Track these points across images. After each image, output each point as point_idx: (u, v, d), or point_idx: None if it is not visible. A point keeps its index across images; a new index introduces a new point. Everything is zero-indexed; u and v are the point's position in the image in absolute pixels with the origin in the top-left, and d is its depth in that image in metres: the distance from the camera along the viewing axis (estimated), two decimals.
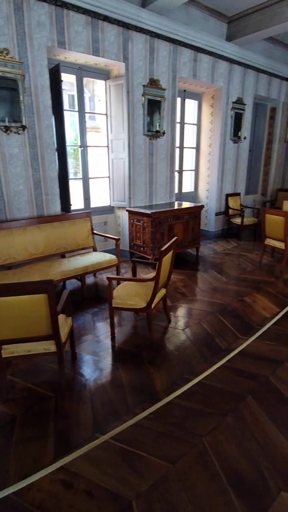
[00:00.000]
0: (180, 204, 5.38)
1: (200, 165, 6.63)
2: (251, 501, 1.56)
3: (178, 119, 5.81)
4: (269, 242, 4.90)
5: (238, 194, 6.91)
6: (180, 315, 3.51)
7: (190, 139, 6.41)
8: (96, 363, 2.65)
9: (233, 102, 6.15)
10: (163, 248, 2.56)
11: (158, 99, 4.95)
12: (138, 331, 3.20)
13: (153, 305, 2.84)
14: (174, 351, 2.80)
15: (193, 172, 6.69)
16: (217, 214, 6.65)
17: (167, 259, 2.78)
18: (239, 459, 1.78)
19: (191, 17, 5.02)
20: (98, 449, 1.84)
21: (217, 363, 2.27)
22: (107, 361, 2.67)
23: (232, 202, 6.72)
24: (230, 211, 6.68)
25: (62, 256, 4.20)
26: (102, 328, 3.21)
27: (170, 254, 2.84)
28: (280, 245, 4.69)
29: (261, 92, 6.74)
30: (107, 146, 5.03)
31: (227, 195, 6.68)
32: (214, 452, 1.82)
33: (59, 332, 2.10)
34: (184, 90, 5.85)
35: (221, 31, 5.51)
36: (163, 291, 3.13)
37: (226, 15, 5.33)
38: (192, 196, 6.80)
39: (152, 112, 4.94)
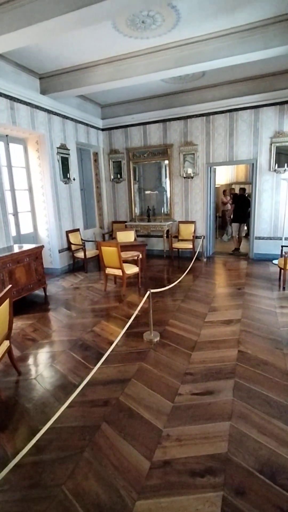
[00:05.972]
0: (19, 247, 5.21)
1: (36, 206, 6.67)
2: None
3: (4, 162, 5.72)
4: (109, 271, 5.40)
5: (78, 230, 7.31)
6: (31, 363, 3.35)
7: (21, 181, 6.38)
8: None
9: (58, 148, 6.59)
10: None
11: None
12: None
13: None
14: (26, 404, 2.65)
15: (30, 213, 6.65)
16: (60, 251, 6.80)
17: (2, 311, 2.66)
18: (98, 490, 1.85)
19: (2, 69, 5.15)
20: None
21: (65, 403, 2.30)
22: None
23: (73, 238, 7.05)
24: (73, 247, 6.98)
25: None
26: None
27: (5, 304, 2.72)
28: (118, 272, 5.25)
29: (81, 140, 7.53)
30: None
31: (67, 232, 6.96)
32: (74, 496, 1.82)
33: None
34: (6, 135, 5.85)
35: (35, 85, 5.89)
36: (5, 344, 2.93)
37: (37, 72, 5.77)
38: (33, 236, 6.71)
39: None
